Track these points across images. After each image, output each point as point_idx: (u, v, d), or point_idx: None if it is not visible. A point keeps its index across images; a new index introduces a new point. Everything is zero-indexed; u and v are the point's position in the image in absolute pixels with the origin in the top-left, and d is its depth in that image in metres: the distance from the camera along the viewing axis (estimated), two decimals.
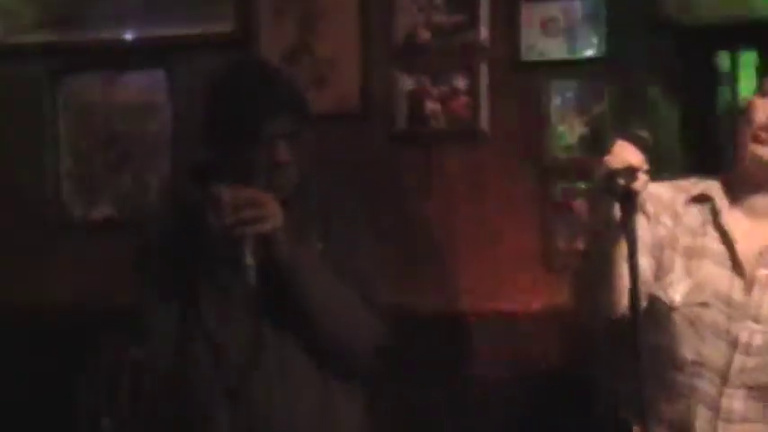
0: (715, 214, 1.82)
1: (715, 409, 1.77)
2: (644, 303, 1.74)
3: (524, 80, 2.85)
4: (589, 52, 2.81)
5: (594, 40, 2.80)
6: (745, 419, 1.77)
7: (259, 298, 1.86)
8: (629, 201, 1.57)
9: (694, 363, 1.77)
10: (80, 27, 3.10)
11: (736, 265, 1.78)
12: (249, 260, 1.80)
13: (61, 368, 2.97)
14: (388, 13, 2.93)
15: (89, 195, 3.13)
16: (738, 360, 1.75)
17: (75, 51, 3.11)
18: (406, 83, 2.92)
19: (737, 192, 1.81)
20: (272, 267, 1.84)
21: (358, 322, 1.93)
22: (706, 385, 1.77)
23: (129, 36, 3.10)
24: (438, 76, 2.90)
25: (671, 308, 1.78)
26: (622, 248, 1.61)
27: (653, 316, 1.79)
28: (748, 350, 1.75)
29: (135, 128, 3.10)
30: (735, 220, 1.81)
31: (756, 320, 1.75)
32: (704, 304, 1.76)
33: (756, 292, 1.76)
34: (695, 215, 1.83)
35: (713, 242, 1.80)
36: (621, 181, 1.57)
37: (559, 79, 2.82)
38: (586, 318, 1.84)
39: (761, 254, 1.78)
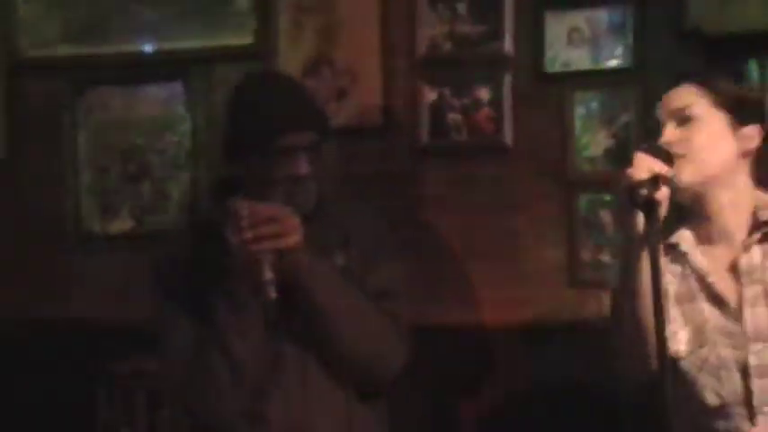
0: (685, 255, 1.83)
1: None
2: None
3: (548, 91, 2.84)
4: (614, 62, 2.79)
5: (620, 51, 2.78)
6: None
7: (278, 314, 1.85)
8: (652, 211, 1.59)
9: (720, 405, 1.75)
10: (100, 41, 3.10)
11: (718, 297, 1.77)
12: (267, 275, 1.78)
13: (79, 380, 2.97)
14: (410, 23, 2.91)
15: (108, 208, 3.12)
16: (757, 385, 1.73)
17: (95, 65, 3.10)
18: (428, 95, 2.90)
19: (694, 228, 1.82)
20: (291, 282, 1.83)
21: (380, 339, 1.91)
22: (737, 422, 1.74)
23: (148, 49, 3.09)
24: (461, 88, 2.88)
25: (678, 358, 1.76)
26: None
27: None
28: (762, 372, 1.73)
29: (154, 141, 3.09)
30: (704, 254, 1.81)
31: (757, 339, 1.74)
32: (705, 345, 1.75)
33: (747, 312, 1.75)
34: (674, 263, 1.84)
35: (694, 282, 1.80)
36: (644, 191, 1.59)
37: (584, 90, 2.80)
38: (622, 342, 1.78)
39: (734, 273, 1.78)
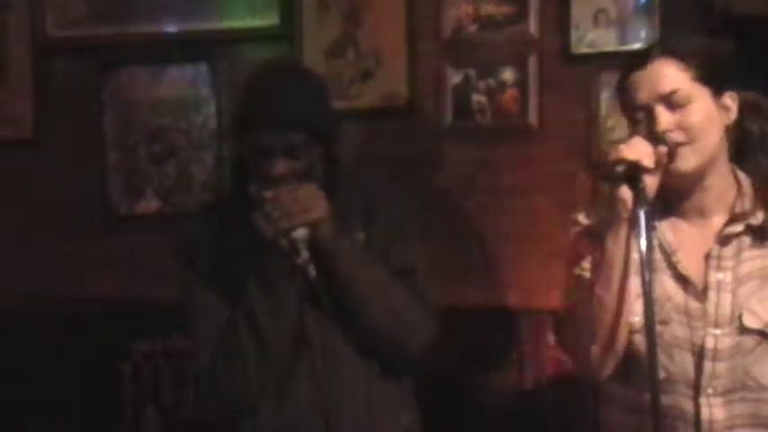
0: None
1: (696, 422, 1.73)
2: None
3: (574, 72, 2.81)
4: (640, 43, 2.73)
5: (647, 32, 2.74)
6: (731, 427, 1.73)
7: (306, 292, 1.88)
8: (635, 185, 1.62)
9: (665, 381, 1.73)
10: (126, 21, 3.09)
11: (682, 276, 1.75)
12: (305, 255, 1.83)
13: (105, 358, 3.00)
14: (436, 5, 2.90)
15: (134, 189, 3.13)
16: (708, 367, 1.72)
17: (121, 45, 3.10)
18: (453, 76, 2.88)
19: (669, 201, 1.77)
20: (319, 257, 1.86)
21: (407, 312, 1.93)
22: (680, 400, 1.74)
23: (173, 30, 3.09)
24: (486, 70, 2.87)
25: (632, 331, 1.72)
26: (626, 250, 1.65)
27: None
28: (717, 356, 1.72)
29: (180, 121, 3.09)
30: (675, 229, 1.77)
31: (717, 325, 1.72)
32: (664, 322, 1.72)
33: (711, 296, 1.73)
34: (640, 234, 1.78)
35: (659, 255, 1.77)
36: (620, 169, 1.63)
37: (610, 72, 2.70)
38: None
39: (707, 258, 1.75)
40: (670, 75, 1.72)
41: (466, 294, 2.85)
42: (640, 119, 1.73)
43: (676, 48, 1.74)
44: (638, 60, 1.76)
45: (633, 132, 1.74)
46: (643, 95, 1.72)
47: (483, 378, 2.86)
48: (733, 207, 1.76)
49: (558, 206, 2.82)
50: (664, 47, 1.75)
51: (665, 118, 1.70)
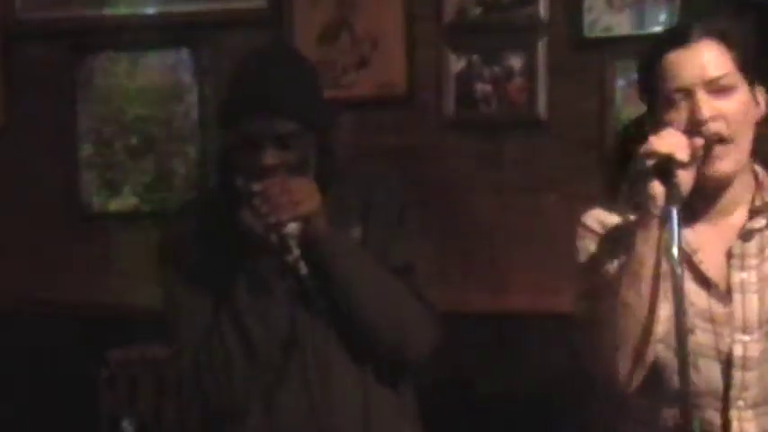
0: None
1: None
2: None
3: (586, 59, 2.76)
4: (658, 28, 2.69)
5: (664, 15, 2.71)
6: None
7: (297, 291, 1.83)
8: (668, 179, 1.55)
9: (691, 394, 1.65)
10: (101, 3, 3.05)
11: (705, 278, 1.68)
12: (296, 252, 1.78)
13: (82, 366, 2.93)
14: None
15: (110, 184, 3.09)
16: (738, 377, 1.65)
17: (95, 29, 3.06)
18: (456, 63, 2.84)
19: (693, 203, 1.67)
20: (313, 254, 1.80)
21: (407, 312, 1.88)
22: (707, 413, 1.66)
23: (152, 12, 3.04)
24: (491, 56, 2.82)
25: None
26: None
27: None
28: (746, 364, 1.65)
29: (159, 111, 3.05)
30: (697, 232, 1.70)
31: (745, 331, 1.65)
32: (688, 330, 1.63)
33: (737, 299, 1.66)
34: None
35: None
36: (650, 162, 1.56)
37: (625, 58, 2.68)
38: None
39: (728, 257, 1.68)
40: (716, 58, 1.63)
41: (468, 297, 2.81)
42: (677, 100, 1.63)
43: (720, 29, 1.66)
44: (677, 38, 1.66)
45: (660, 123, 1.64)
46: (685, 77, 1.63)
47: (488, 385, 2.81)
48: (753, 202, 1.70)
49: (568, 204, 2.76)
50: (706, 27, 1.66)
51: (707, 105, 1.61)
